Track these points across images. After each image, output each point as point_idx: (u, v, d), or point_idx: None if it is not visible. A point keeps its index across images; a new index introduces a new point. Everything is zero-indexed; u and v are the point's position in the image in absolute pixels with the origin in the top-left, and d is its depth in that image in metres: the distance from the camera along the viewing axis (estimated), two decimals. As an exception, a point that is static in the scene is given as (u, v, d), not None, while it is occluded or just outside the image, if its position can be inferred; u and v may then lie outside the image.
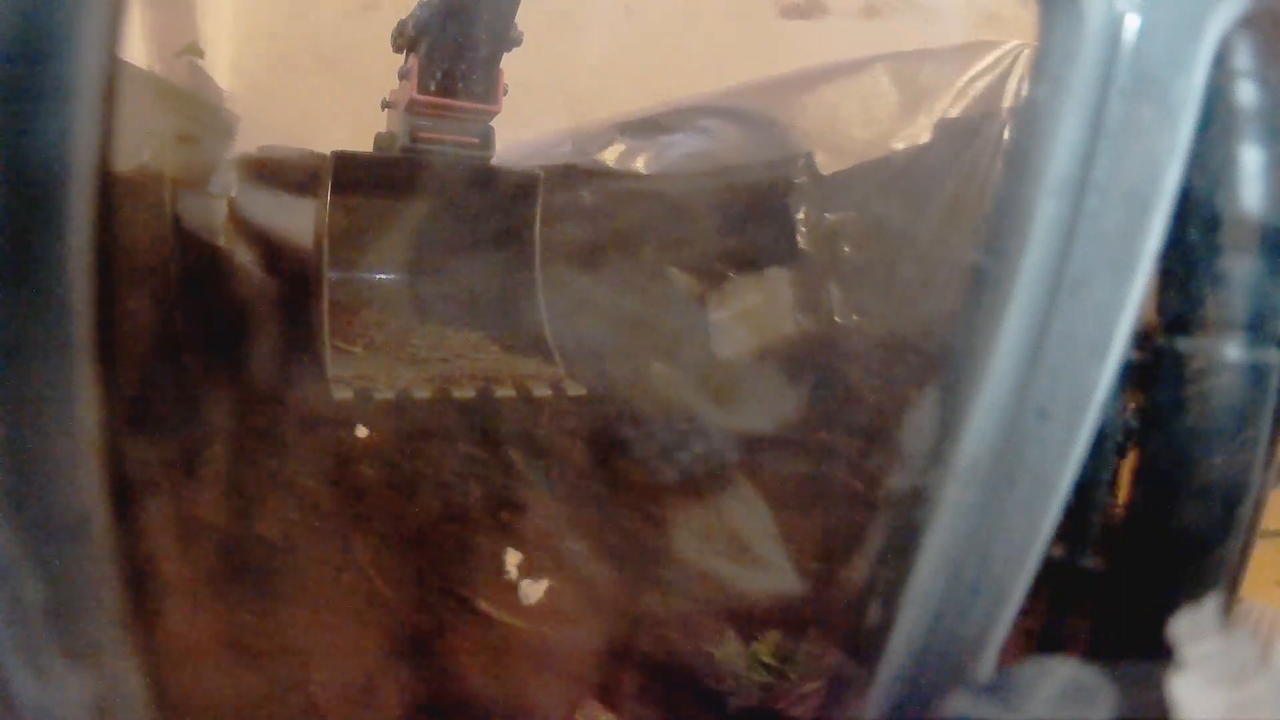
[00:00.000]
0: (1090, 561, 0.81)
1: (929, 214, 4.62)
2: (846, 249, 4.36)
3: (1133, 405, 0.80)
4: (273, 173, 3.50)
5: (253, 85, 3.77)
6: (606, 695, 1.93)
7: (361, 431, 2.96)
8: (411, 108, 3.27)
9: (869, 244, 4.31)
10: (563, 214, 3.86)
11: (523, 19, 3.17)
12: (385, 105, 3.70)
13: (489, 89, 3.30)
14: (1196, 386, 0.70)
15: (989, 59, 4.82)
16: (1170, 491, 0.73)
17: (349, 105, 3.78)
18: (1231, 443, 0.71)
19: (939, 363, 0.73)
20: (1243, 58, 0.67)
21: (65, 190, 0.52)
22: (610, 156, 4.24)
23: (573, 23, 4.01)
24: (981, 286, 0.68)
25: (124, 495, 0.60)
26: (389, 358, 3.34)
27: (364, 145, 3.46)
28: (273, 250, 3.41)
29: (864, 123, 4.60)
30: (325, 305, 3.20)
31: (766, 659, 2.12)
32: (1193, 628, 0.64)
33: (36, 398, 0.54)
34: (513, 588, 2.33)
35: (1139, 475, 0.75)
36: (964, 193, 4.71)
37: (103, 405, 0.57)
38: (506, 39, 3.23)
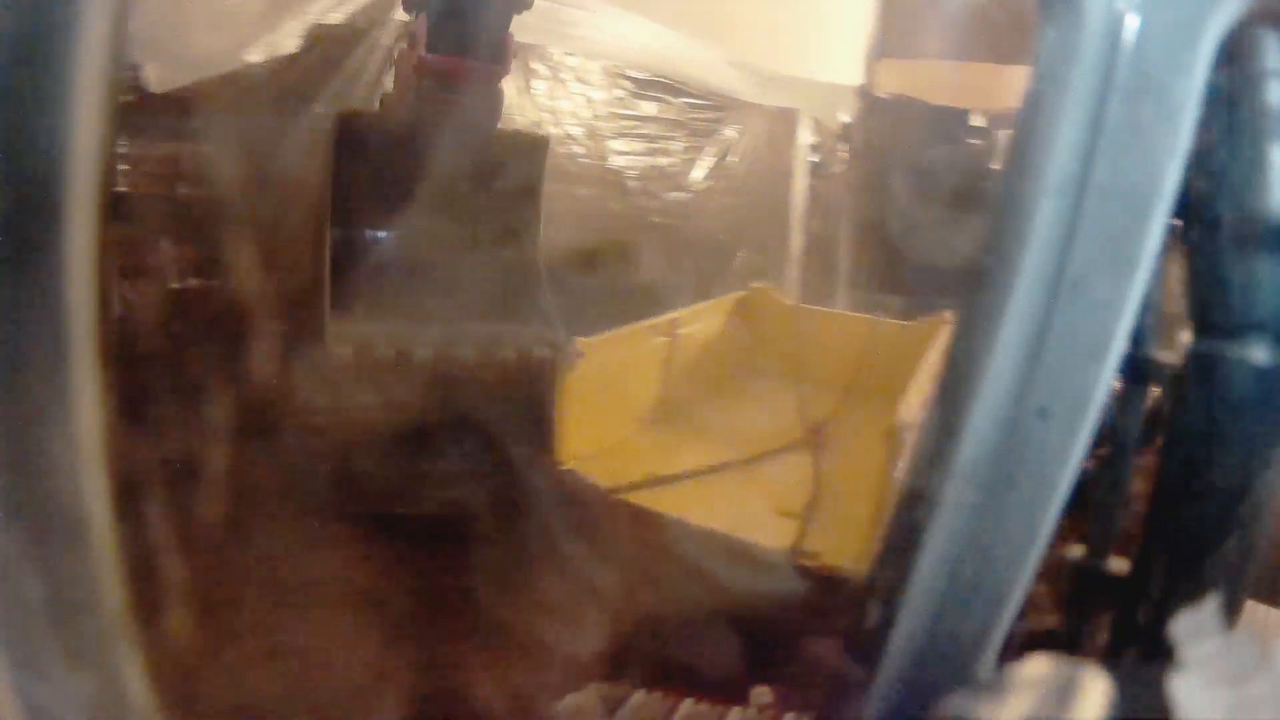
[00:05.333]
0: (1112, 564, 0.81)
1: (292, 136, 3.78)
2: (184, 190, 3.36)
3: (1152, 406, 0.81)
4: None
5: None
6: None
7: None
8: (420, 68, 3.24)
9: (215, 181, 3.31)
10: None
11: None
12: (392, 64, 3.65)
13: (498, 50, 3.27)
14: (1224, 388, 0.70)
15: (383, -39, 4.08)
16: (1195, 493, 0.72)
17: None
18: (1257, 445, 0.71)
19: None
20: (1273, 57, 0.67)
21: (65, 190, 0.52)
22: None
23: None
24: (981, 286, 0.68)
25: (124, 492, 0.60)
26: (390, 317, 3.30)
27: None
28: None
29: (212, 28, 3.69)
30: (326, 263, 3.18)
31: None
32: (1193, 628, 0.64)
33: (36, 398, 0.54)
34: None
35: (1163, 477, 0.75)
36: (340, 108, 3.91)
37: (103, 405, 0.57)
38: (517, 0, 3.20)
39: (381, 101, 3.54)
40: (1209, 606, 0.66)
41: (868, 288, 4.24)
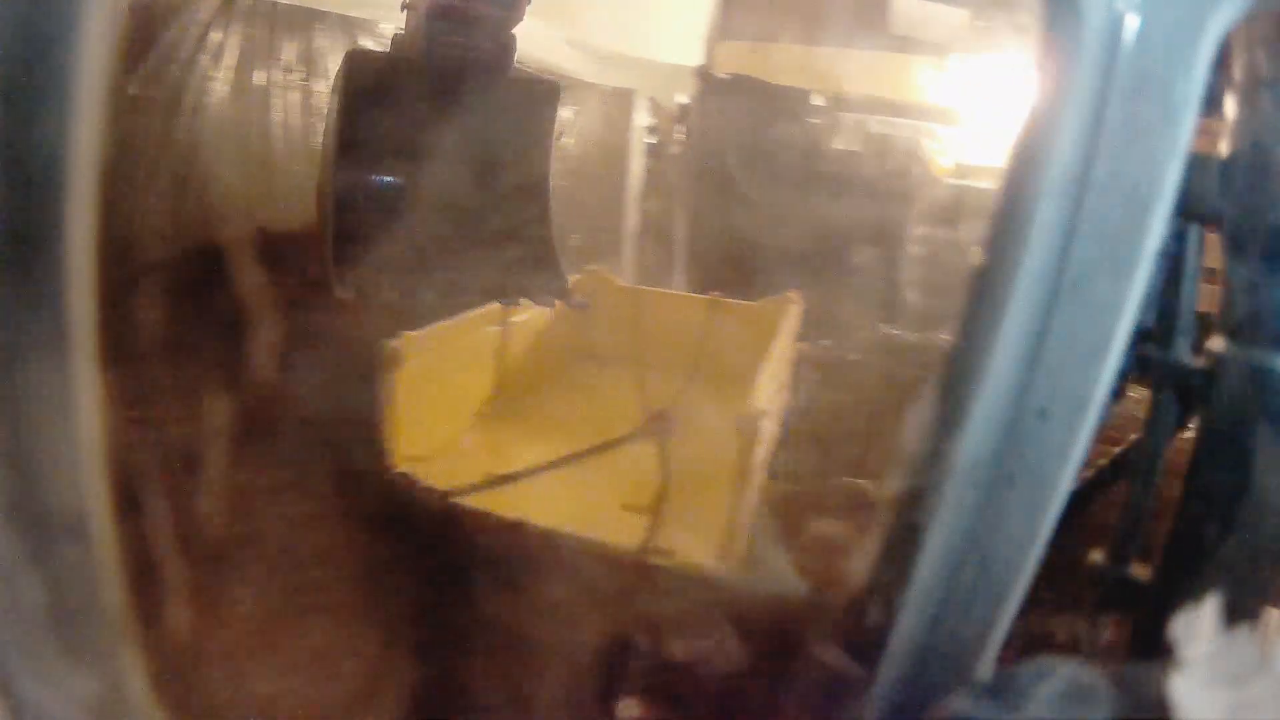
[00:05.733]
0: (1135, 571, 0.81)
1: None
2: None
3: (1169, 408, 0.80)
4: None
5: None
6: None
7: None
8: (433, 11, 3.23)
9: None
10: None
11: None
12: (405, 7, 3.66)
13: (513, -4, 3.27)
14: (1256, 396, 0.70)
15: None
16: (1228, 501, 0.72)
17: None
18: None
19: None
20: None
21: (65, 190, 0.52)
22: None
23: None
24: (982, 286, 0.68)
25: (125, 491, 0.60)
26: (396, 261, 3.25)
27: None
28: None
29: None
30: (331, 205, 3.15)
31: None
32: (1193, 628, 0.64)
33: (36, 398, 0.54)
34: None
35: (1193, 484, 0.74)
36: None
37: (103, 405, 0.57)
38: None
39: (394, 43, 3.52)
40: (1209, 606, 0.66)
41: (707, 269, 4.13)
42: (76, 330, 0.55)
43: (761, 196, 3.83)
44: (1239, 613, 0.66)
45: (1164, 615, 0.68)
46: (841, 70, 4.30)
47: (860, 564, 0.78)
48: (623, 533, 2.05)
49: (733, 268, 3.75)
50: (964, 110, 4.02)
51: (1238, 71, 0.71)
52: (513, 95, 3.54)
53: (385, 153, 3.49)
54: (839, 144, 4.16)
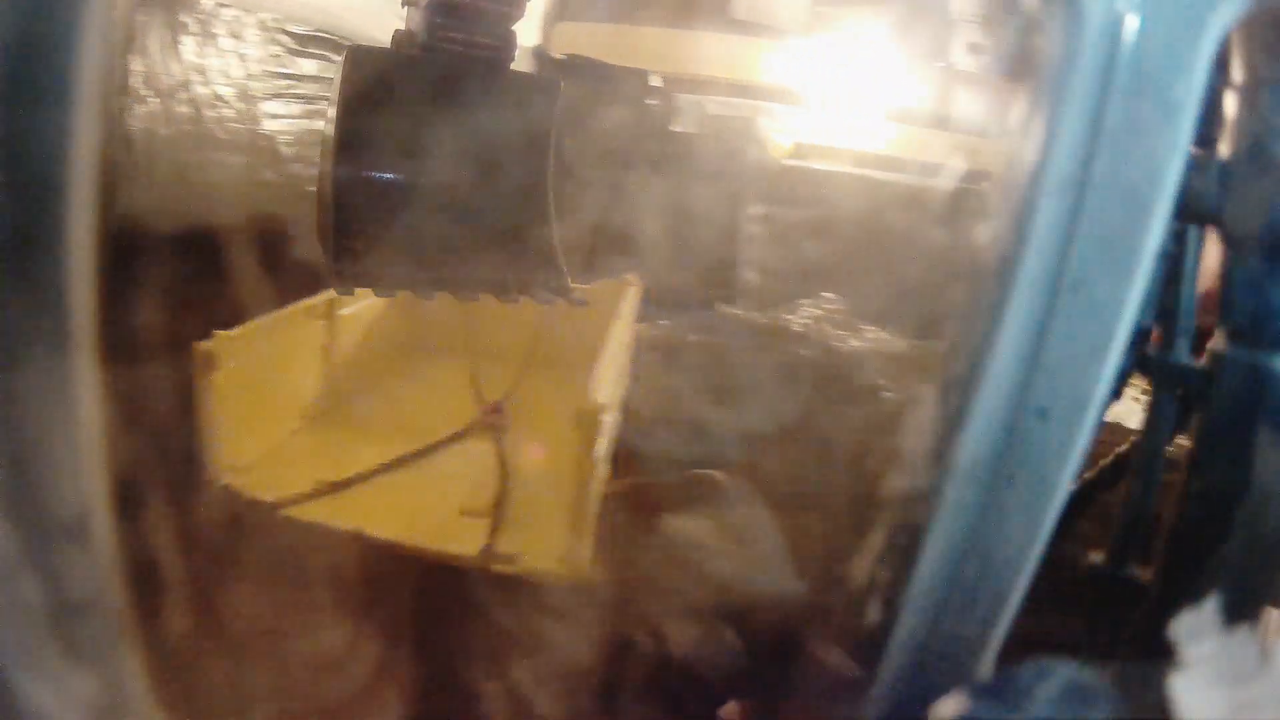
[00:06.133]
0: (1135, 572, 0.81)
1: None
2: None
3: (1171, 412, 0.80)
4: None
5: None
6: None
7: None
8: (432, 6, 3.24)
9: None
10: None
11: None
12: (405, 3, 3.67)
13: (514, -11, 3.27)
14: (1255, 397, 0.70)
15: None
16: (1220, 499, 0.72)
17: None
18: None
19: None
20: None
21: (65, 190, 0.52)
22: None
23: None
24: (982, 286, 0.68)
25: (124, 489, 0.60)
26: (395, 257, 3.24)
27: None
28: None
29: None
30: (331, 202, 3.13)
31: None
32: (1193, 628, 0.64)
33: (36, 398, 0.54)
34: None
35: (1193, 485, 0.74)
36: None
37: (103, 405, 0.57)
38: None
39: (394, 39, 3.54)
40: (1209, 606, 0.66)
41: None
42: (77, 329, 0.55)
43: (598, 178, 3.82)
44: (1239, 613, 0.66)
45: (1164, 615, 0.68)
46: (680, 51, 4.28)
47: (856, 564, 0.78)
48: (464, 540, 1.91)
49: (569, 250, 3.77)
50: (804, 91, 4.03)
51: (1238, 72, 0.71)
52: (513, 92, 3.54)
53: (385, 149, 3.49)
54: (677, 125, 4.17)
